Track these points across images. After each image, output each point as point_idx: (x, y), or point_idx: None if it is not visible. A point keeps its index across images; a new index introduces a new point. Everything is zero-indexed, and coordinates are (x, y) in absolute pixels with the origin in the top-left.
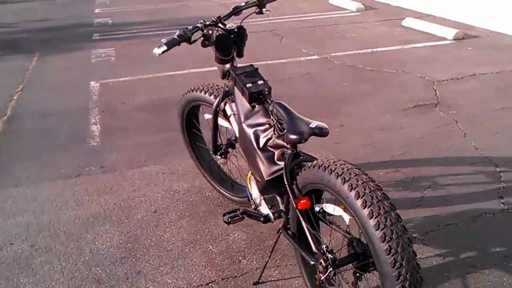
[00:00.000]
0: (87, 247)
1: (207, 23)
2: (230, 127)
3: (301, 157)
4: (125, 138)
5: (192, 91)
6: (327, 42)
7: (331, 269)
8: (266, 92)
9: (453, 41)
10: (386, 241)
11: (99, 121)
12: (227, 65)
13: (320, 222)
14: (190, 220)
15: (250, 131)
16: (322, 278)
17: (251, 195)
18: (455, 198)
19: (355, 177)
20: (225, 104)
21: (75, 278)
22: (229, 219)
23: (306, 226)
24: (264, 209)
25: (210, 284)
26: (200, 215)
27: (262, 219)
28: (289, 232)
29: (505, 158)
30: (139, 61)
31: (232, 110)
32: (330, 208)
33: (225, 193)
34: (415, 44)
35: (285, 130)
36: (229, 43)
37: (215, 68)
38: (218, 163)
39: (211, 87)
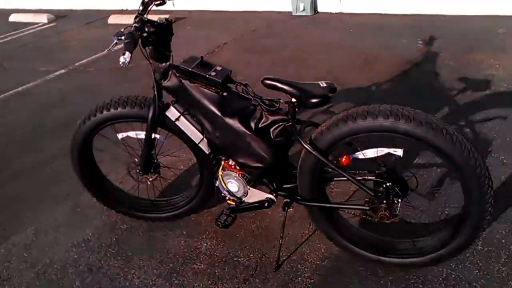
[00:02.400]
0: None
1: (145, 19)
2: (158, 137)
3: (303, 123)
4: None
5: (100, 112)
6: (58, 55)
7: (397, 200)
8: (231, 76)
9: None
10: (466, 155)
11: None
12: (166, 63)
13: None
14: (141, 257)
15: (233, 120)
16: (392, 211)
17: (228, 192)
18: None
19: (401, 111)
20: (163, 109)
21: None
22: (225, 222)
23: (351, 176)
24: (257, 196)
25: None
26: (144, 249)
27: (266, 204)
28: (304, 199)
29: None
30: None
31: (180, 111)
32: (370, 152)
33: (149, 215)
34: None
35: (292, 100)
36: (168, 37)
37: None
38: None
39: (129, 99)
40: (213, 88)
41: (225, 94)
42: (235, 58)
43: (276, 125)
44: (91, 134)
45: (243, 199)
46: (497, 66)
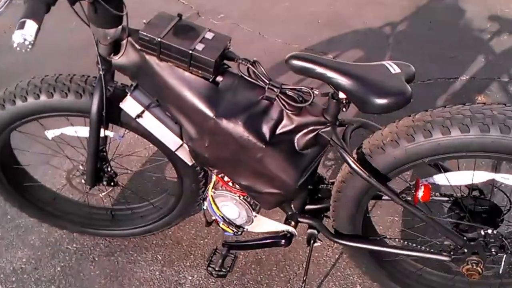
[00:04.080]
0: None
1: None
2: (111, 135)
3: (348, 125)
4: None
5: (11, 102)
6: None
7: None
8: (229, 48)
9: None
10: None
11: None
12: (117, 28)
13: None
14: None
15: (234, 123)
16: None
17: (223, 218)
18: None
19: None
20: (116, 100)
21: None
22: (221, 270)
23: (430, 219)
24: (267, 226)
25: None
26: (102, 286)
27: (283, 242)
28: (341, 236)
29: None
30: None
31: (143, 104)
32: (460, 177)
33: (107, 232)
34: None
35: (340, 96)
36: None
37: None
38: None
39: (58, 82)
40: (200, 71)
41: (220, 79)
42: None
43: (306, 131)
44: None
45: (246, 227)
46: None
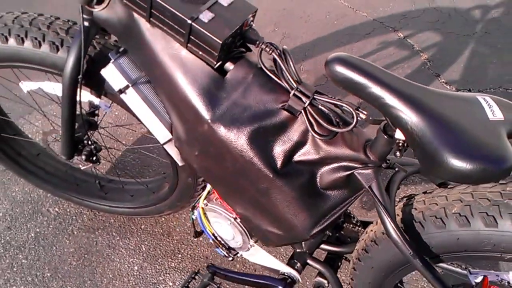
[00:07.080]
0: None
1: None
2: (97, 102)
3: (398, 171)
4: None
5: None
6: None
7: None
8: (251, 24)
9: None
10: None
11: None
12: None
13: None
14: (61, 284)
15: (238, 137)
16: None
17: (214, 235)
18: None
19: None
20: (97, 63)
21: None
22: None
23: None
24: (265, 261)
25: None
26: (68, 271)
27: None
28: None
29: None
30: None
31: (129, 78)
32: None
33: (93, 204)
34: None
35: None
36: None
37: None
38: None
39: (34, 24)
40: (201, 52)
41: (230, 67)
42: None
43: (336, 166)
44: None
45: (241, 253)
46: None
